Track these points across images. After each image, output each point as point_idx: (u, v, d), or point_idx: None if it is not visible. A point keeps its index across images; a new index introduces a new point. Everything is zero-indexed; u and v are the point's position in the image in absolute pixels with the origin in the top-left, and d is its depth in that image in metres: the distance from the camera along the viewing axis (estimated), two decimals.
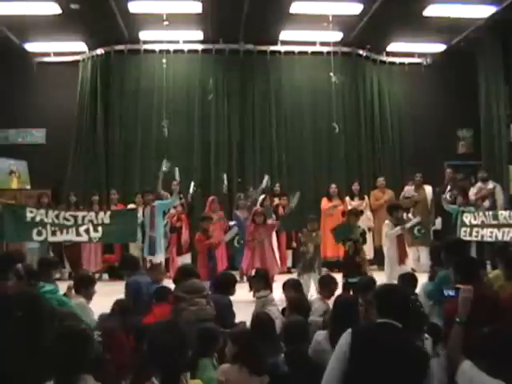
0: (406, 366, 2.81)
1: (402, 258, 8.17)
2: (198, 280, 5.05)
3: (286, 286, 5.59)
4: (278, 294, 6.18)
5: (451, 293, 3.60)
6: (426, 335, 3.85)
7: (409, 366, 2.82)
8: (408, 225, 8.36)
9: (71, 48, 12.26)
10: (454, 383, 2.99)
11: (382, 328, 2.95)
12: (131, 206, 10.52)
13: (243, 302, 5.90)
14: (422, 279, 5.74)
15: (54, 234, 8.40)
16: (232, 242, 9.26)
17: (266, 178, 10.30)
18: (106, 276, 10.55)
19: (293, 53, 12.61)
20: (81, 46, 12.13)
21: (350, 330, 2.94)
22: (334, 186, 11.33)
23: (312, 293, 7.17)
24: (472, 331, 2.93)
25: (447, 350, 3.24)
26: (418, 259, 10.47)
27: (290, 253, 11.02)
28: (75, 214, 8.83)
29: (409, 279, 5.47)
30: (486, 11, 10.79)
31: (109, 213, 8.98)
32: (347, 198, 11.32)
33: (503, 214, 8.68)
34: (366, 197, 11.37)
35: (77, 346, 2.89)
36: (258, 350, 3.54)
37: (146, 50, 12.28)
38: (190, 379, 3.00)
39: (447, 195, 9.97)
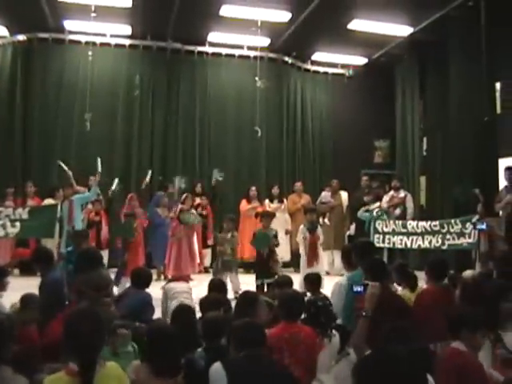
0: None
1: (310, 260, 8.46)
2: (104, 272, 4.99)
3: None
4: (195, 291, 6.25)
5: (359, 288, 3.81)
6: (334, 332, 4.06)
7: None
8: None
9: None
10: None
11: (250, 358, 3.15)
12: (48, 200, 10.27)
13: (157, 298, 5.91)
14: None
15: None
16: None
17: (215, 171, 10.39)
18: (16, 272, 10.11)
19: (220, 55, 12.71)
20: (1, 30, 11.60)
21: (219, 364, 3.13)
22: (253, 188, 11.50)
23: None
24: (377, 324, 3.13)
25: (352, 340, 3.43)
26: (333, 262, 10.82)
27: (208, 252, 11.10)
28: None
29: (312, 280, 5.71)
30: (405, 31, 11.34)
31: (27, 209, 8.82)
32: (266, 201, 11.54)
33: (411, 223, 9.23)
34: (284, 200, 11.62)
35: None
36: (171, 350, 3.36)
37: (71, 41, 11.98)
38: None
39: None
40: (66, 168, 9.51)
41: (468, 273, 6.07)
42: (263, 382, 3.07)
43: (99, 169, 9.69)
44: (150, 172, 10.76)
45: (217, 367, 3.13)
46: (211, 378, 3.13)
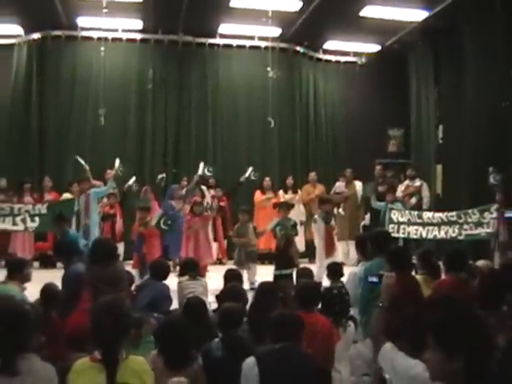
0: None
1: (328, 251, 8.45)
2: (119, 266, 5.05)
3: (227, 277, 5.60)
4: (212, 283, 6.28)
5: (374, 279, 3.79)
6: (350, 322, 4.05)
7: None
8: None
9: (6, 31, 11.80)
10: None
11: (283, 353, 3.13)
12: (66, 195, 10.41)
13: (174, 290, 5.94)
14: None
15: None
16: (159, 225, 9.29)
17: (202, 165, 10.34)
18: (36, 264, 10.23)
19: (231, 46, 12.69)
20: (17, 29, 11.73)
21: (253, 359, 3.11)
22: (267, 179, 11.52)
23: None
24: (394, 315, 3.10)
25: (369, 331, 3.42)
26: (348, 253, 10.78)
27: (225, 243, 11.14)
28: (12, 205, 8.79)
29: (334, 269, 5.72)
30: (419, 15, 11.18)
31: (46, 204, 9.00)
32: (280, 192, 11.53)
33: (427, 214, 9.19)
34: (299, 191, 11.60)
35: (18, 324, 2.86)
36: (179, 343, 3.37)
37: (83, 37, 12.05)
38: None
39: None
40: (83, 162, 9.62)
41: (481, 263, 6.01)
42: (294, 379, 3.07)
43: (116, 166, 9.79)
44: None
45: (250, 362, 3.14)
46: (243, 373, 3.14)
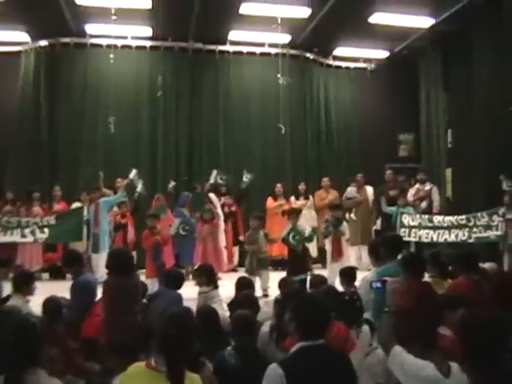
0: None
1: (334, 255, 8.46)
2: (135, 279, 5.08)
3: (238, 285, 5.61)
4: (223, 290, 6.28)
5: (378, 285, 3.78)
6: (363, 327, 4.04)
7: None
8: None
9: (12, 38, 11.81)
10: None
11: (309, 353, 2.95)
12: (76, 204, 10.39)
13: (189, 299, 5.92)
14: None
15: None
16: (178, 231, 9.32)
17: (215, 173, 10.34)
18: (46, 276, 10.26)
19: (241, 53, 12.72)
20: (23, 36, 11.73)
21: (276, 365, 2.89)
22: (279, 185, 11.50)
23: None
24: (402, 319, 3.10)
25: (379, 338, 3.40)
26: (361, 258, 10.75)
27: (236, 250, 11.11)
28: (19, 219, 8.82)
29: (347, 273, 5.72)
30: (427, 22, 11.21)
31: (54, 215, 9.00)
32: (292, 198, 11.52)
33: (437, 218, 9.21)
34: (310, 197, 11.58)
35: (26, 338, 2.86)
36: (189, 340, 3.08)
37: (92, 44, 12.08)
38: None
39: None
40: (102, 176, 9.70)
41: (489, 265, 5.98)
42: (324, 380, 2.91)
43: (131, 176, 9.77)
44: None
45: (272, 366, 2.91)
46: (267, 381, 2.92)
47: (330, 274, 7.87)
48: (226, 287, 6.66)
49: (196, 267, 6.96)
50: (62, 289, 5.66)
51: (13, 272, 6.01)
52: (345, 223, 8.85)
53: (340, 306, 4.28)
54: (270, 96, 12.46)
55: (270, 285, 7.93)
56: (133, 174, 10.04)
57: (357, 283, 5.71)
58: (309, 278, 6.95)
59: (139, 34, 12.03)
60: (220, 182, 10.35)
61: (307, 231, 8.20)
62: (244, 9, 10.55)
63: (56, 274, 10.06)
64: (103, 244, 9.25)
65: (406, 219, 9.44)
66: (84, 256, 7.78)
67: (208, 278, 6.05)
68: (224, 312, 5.20)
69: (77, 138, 11.92)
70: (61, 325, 4.64)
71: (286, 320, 3.10)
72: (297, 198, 11.51)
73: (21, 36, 11.77)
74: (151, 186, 11.32)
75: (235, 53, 12.69)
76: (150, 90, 12.20)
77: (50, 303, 4.86)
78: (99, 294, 5.56)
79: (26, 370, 2.78)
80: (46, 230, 8.90)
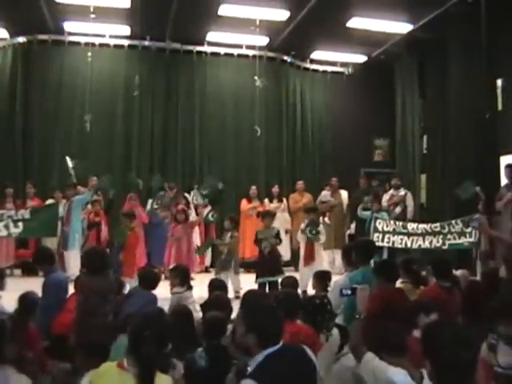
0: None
1: (306, 259, 8.50)
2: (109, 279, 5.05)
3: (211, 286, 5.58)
4: (196, 291, 6.25)
5: (348, 292, 3.80)
6: (333, 331, 4.05)
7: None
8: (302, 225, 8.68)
9: None
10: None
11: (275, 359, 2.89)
12: (50, 201, 10.29)
13: (161, 298, 5.89)
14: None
15: None
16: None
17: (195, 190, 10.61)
18: (18, 272, 10.14)
19: (219, 54, 12.70)
20: (1, 32, 11.61)
21: (250, 380, 2.73)
22: (253, 187, 11.50)
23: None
24: (373, 325, 3.12)
25: (349, 344, 3.41)
26: (334, 261, 10.79)
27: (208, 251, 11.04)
28: None
29: (321, 276, 5.73)
30: (405, 28, 11.32)
31: (29, 209, 8.88)
32: (266, 200, 11.53)
33: (412, 225, 9.25)
34: (284, 199, 11.61)
35: None
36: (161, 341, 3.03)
37: (70, 42, 11.98)
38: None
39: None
40: (70, 165, 9.47)
41: (460, 272, 6.06)
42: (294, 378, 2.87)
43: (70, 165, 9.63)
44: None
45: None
46: None
47: (302, 277, 7.91)
48: (198, 288, 6.63)
49: (172, 267, 6.89)
50: (34, 285, 5.60)
51: None
52: (321, 226, 8.87)
53: (310, 309, 4.28)
54: (246, 98, 12.51)
55: (242, 286, 7.93)
56: (68, 162, 9.77)
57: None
58: (279, 280, 6.94)
59: (117, 32, 11.94)
60: (200, 201, 10.82)
61: (274, 232, 8.18)
62: (223, 10, 10.53)
63: (28, 270, 9.89)
64: (73, 242, 9.17)
65: (380, 224, 9.48)
66: (55, 253, 7.71)
67: (181, 278, 6.02)
68: (197, 313, 5.17)
69: (51, 134, 11.80)
70: (34, 322, 4.58)
71: (242, 333, 3.02)
72: (270, 201, 11.52)
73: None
74: (125, 185, 11.19)
75: (213, 54, 12.66)
76: (127, 88, 12.17)
77: (26, 298, 4.81)
78: (71, 290, 5.55)
79: None
80: (20, 224, 8.75)
